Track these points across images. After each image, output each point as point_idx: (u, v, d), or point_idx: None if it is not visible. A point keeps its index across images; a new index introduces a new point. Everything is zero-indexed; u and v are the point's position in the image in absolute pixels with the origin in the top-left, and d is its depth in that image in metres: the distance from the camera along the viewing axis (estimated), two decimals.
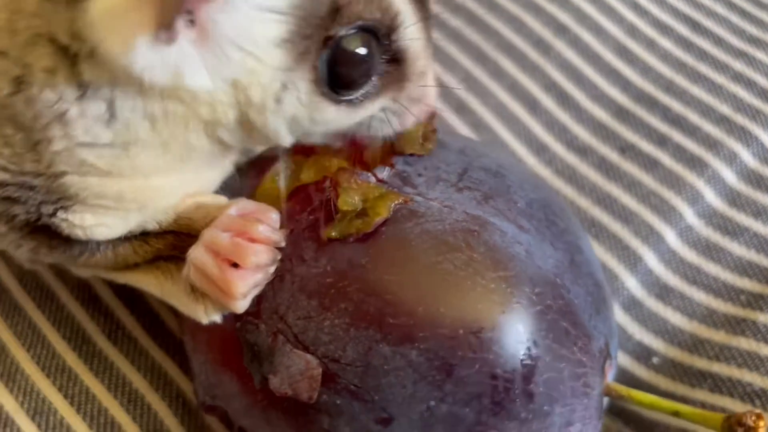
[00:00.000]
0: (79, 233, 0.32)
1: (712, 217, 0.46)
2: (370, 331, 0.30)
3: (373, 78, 0.30)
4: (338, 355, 0.31)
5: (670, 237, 0.46)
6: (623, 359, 0.43)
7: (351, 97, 0.30)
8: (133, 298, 0.43)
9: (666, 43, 0.52)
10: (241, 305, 0.31)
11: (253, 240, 0.30)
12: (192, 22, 0.26)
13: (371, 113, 0.32)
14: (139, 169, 0.30)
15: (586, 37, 0.52)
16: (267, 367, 0.31)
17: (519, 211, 0.34)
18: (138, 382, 0.41)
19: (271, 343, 0.31)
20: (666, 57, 0.51)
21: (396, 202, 0.32)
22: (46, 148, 0.29)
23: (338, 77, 0.29)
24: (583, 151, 0.49)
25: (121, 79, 0.27)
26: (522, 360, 0.31)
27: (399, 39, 0.30)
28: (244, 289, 0.30)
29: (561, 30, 0.53)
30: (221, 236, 0.30)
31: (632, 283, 0.45)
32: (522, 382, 0.31)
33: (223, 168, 0.34)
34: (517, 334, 0.31)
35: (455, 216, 0.33)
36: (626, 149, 0.49)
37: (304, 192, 0.33)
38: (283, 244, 0.31)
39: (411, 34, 0.31)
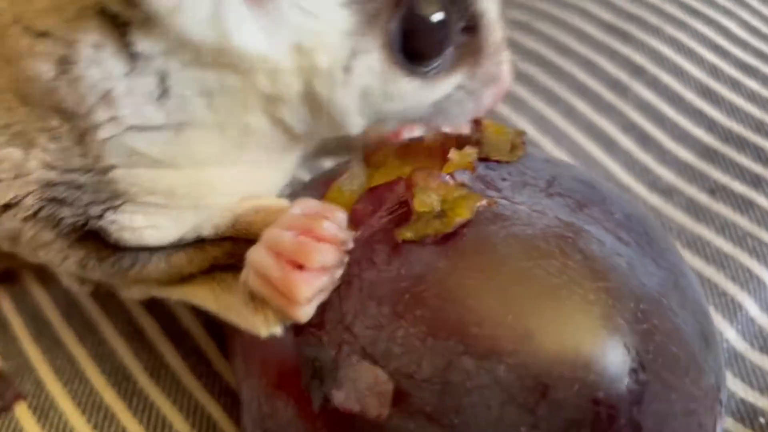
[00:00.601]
0: (128, 237, 0.29)
1: None
2: (450, 342, 0.26)
3: (449, 47, 0.28)
4: (412, 370, 0.26)
5: None
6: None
7: (427, 69, 0.28)
8: (180, 333, 0.40)
9: (752, 84, 0.49)
10: (305, 312, 0.27)
11: (318, 239, 0.27)
12: None
13: (447, 91, 0.29)
14: (193, 157, 0.28)
15: (665, 78, 0.50)
16: (329, 384, 0.27)
17: (617, 223, 0.30)
18: (179, 424, 0.37)
19: (335, 356, 0.27)
20: (753, 97, 0.48)
21: (479, 203, 0.29)
22: (93, 138, 0.27)
23: (412, 44, 0.27)
24: (668, 192, 0.45)
25: (174, 46, 0.25)
26: (628, 385, 0.26)
27: (474, 2, 0.28)
28: (308, 292, 0.27)
29: (637, 72, 0.50)
30: (284, 235, 0.27)
31: (732, 335, 0.40)
32: (629, 410, 0.26)
33: (285, 169, 0.32)
34: (622, 354, 0.27)
35: (546, 221, 0.29)
36: (716, 190, 0.45)
37: (375, 193, 0.30)
38: (351, 245, 0.28)
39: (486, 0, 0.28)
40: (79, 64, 0.26)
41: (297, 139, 0.30)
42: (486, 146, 0.32)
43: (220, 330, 0.37)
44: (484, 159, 0.31)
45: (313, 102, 0.27)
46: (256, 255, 0.27)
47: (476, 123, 0.32)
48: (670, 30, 0.52)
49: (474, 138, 0.32)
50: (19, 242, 0.30)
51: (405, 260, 0.28)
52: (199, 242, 0.30)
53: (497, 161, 0.31)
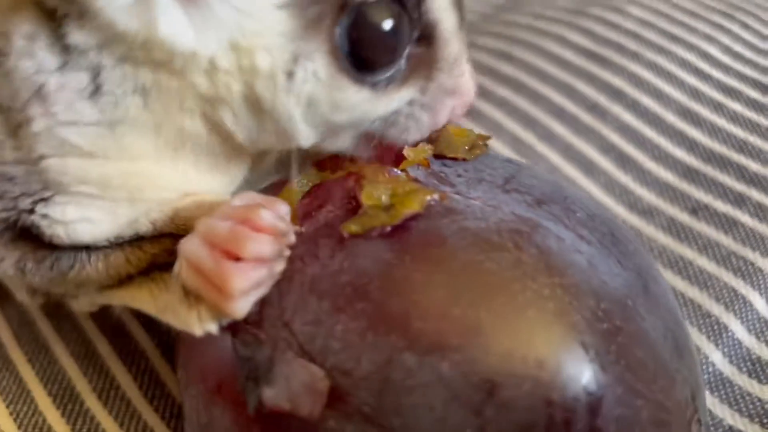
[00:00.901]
0: (61, 233, 0.28)
1: None
2: (391, 336, 0.24)
3: (400, 57, 0.27)
4: (350, 367, 0.24)
5: (759, 303, 0.39)
6: None
7: (376, 79, 0.27)
8: (133, 354, 0.38)
9: (735, 105, 0.48)
10: (240, 307, 0.25)
11: (256, 229, 0.26)
12: None
13: (398, 105, 0.28)
14: (127, 151, 0.27)
15: (645, 100, 0.49)
16: (264, 384, 0.25)
17: (578, 221, 0.29)
18: None
19: (270, 354, 0.25)
20: (736, 118, 0.47)
21: (430, 197, 0.27)
22: (26, 131, 0.26)
23: (361, 52, 0.26)
24: (648, 212, 0.43)
25: (107, 40, 0.24)
26: (586, 387, 0.24)
27: (428, 12, 0.27)
28: (242, 284, 0.25)
29: (616, 94, 0.49)
30: (219, 224, 0.26)
31: (717, 357, 0.38)
32: (587, 414, 0.24)
33: (232, 175, 0.30)
34: (579, 352, 0.25)
35: (500, 215, 0.27)
36: (698, 209, 0.43)
37: (323, 189, 0.29)
38: (292, 238, 0.26)
39: (441, 9, 0.27)
40: (11, 56, 0.25)
41: (239, 147, 0.28)
42: (442, 143, 0.30)
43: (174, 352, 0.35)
44: (440, 156, 0.30)
45: (256, 106, 0.26)
46: (189, 245, 0.26)
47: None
48: (650, 55, 0.51)
49: (431, 136, 0.31)
50: None
51: (349, 254, 0.26)
52: (137, 240, 0.29)
53: (454, 158, 0.30)
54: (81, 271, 0.29)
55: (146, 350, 0.38)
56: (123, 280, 0.29)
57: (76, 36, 0.25)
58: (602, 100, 0.49)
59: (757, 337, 0.38)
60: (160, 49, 0.24)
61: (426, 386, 0.24)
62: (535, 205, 0.28)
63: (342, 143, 0.29)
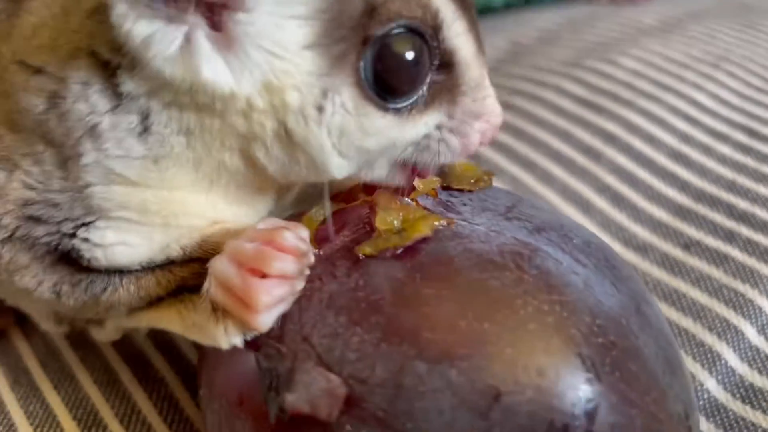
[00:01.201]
0: (100, 256, 0.30)
1: None
2: (403, 346, 0.26)
3: (422, 84, 0.29)
4: (366, 375, 0.26)
5: (751, 332, 0.41)
6: None
7: (400, 105, 0.29)
8: (154, 381, 0.40)
9: (724, 148, 0.51)
10: (264, 321, 0.27)
11: (279, 249, 0.28)
12: (214, 24, 0.26)
13: (425, 130, 0.30)
14: (167, 182, 0.29)
15: (638, 144, 0.52)
16: (285, 391, 0.27)
17: (575, 246, 0.31)
18: None
19: (291, 365, 0.28)
20: (725, 160, 0.50)
21: (438, 222, 0.30)
22: (75, 164, 0.29)
23: (384, 81, 0.28)
24: (642, 248, 0.46)
25: (156, 87, 0.27)
26: (583, 394, 0.26)
27: (445, 40, 0.29)
28: (267, 299, 0.27)
29: (610, 139, 0.52)
30: (246, 245, 0.28)
31: (712, 384, 0.40)
32: (584, 420, 0.26)
33: (256, 209, 0.33)
34: (576, 363, 0.27)
35: (503, 239, 0.30)
36: (690, 245, 0.45)
37: (340, 216, 0.31)
38: (312, 258, 0.29)
39: (457, 36, 0.29)
40: (67, 100, 0.28)
41: (270, 180, 0.31)
42: (450, 176, 0.33)
43: (194, 379, 0.37)
44: (447, 188, 0.33)
45: (288, 140, 0.28)
46: (218, 264, 0.28)
47: None
48: (642, 102, 0.55)
49: (441, 169, 0.33)
50: None
51: (364, 272, 0.29)
52: (167, 265, 0.31)
53: (460, 190, 0.33)
54: (114, 294, 0.31)
55: (166, 378, 0.40)
56: (152, 302, 0.32)
57: (128, 84, 0.28)
58: (597, 144, 0.52)
59: (750, 365, 0.40)
60: (203, 93, 0.27)
61: (436, 392, 0.26)
62: (534, 232, 0.31)
63: (379, 173, 0.31)
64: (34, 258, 0.30)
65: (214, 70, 0.27)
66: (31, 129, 0.29)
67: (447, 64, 0.29)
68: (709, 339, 0.41)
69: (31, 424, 0.38)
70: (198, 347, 0.33)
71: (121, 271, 0.31)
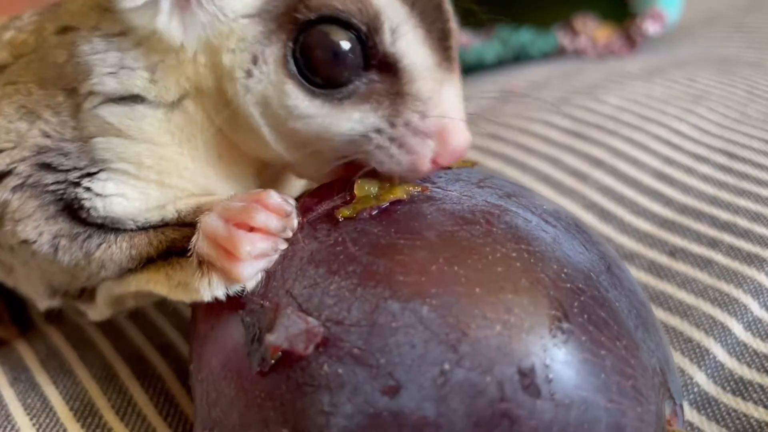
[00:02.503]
0: (98, 205, 0.32)
1: None
2: (378, 289, 0.28)
3: (350, 76, 0.30)
4: (342, 317, 0.28)
5: (738, 329, 0.41)
6: None
7: (326, 92, 0.30)
8: (151, 377, 0.41)
9: (705, 168, 0.52)
10: (246, 271, 0.29)
11: (265, 207, 0.30)
12: None
13: (360, 127, 0.30)
14: (146, 132, 0.32)
15: (623, 167, 0.54)
16: (266, 333, 0.28)
17: (544, 211, 0.33)
18: None
19: (273, 315, 0.29)
20: (706, 178, 0.51)
21: (413, 189, 0.32)
22: (81, 112, 0.32)
23: (308, 66, 0.30)
24: (630, 257, 0.47)
25: (127, 28, 0.31)
26: (551, 330, 0.27)
27: (386, 43, 0.30)
28: (249, 248, 0.29)
29: (597, 163, 0.54)
30: (234, 203, 0.30)
31: (702, 378, 0.40)
32: (554, 354, 0.27)
33: (246, 187, 0.35)
34: (544, 302, 0.28)
35: (474, 201, 0.31)
36: (675, 252, 0.46)
37: (322, 189, 0.33)
38: (295, 220, 0.30)
39: (404, 43, 0.30)
40: (78, 44, 0.32)
41: (242, 152, 0.33)
42: None
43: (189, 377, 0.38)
44: None
45: (225, 99, 0.31)
46: (207, 218, 0.30)
47: None
48: (626, 131, 0.57)
49: None
50: (2, 222, 0.33)
51: (342, 231, 0.30)
52: (161, 227, 0.33)
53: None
54: (107, 250, 0.33)
55: (162, 374, 0.41)
56: (143, 263, 0.33)
57: (107, 23, 0.31)
58: (584, 167, 0.54)
59: (738, 360, 0.40)
60: (158, 40, 0.31)
61: (408, 327, 0.27)
62: (505, 197, 0.32)
63: (319, 165, 0.33)
64: (40, 206, 0.33)
65: (168, 24, 0.30)
66: (54, 82, 0.33)
67: (389, 67, 0.30)
68: (697, 335, 0.41)
69: (28, 415, 0.39)
70: (192, 323, 0.35)
71: (116, 230, 0.33)
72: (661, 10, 0.75)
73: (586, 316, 0.28)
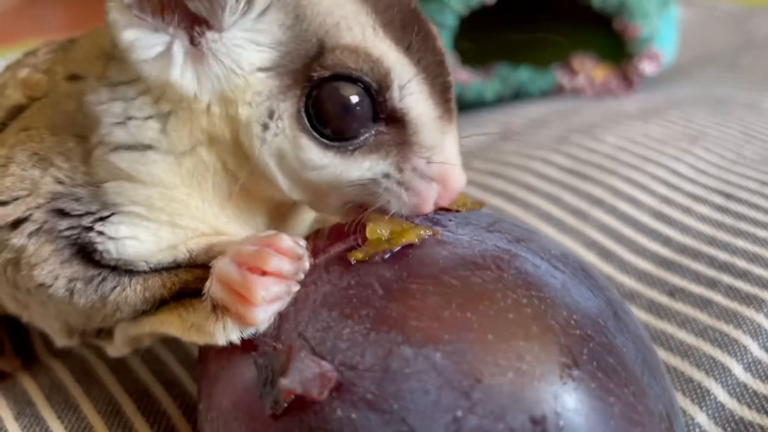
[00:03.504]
0: (111, 248, 0.33)
1: None
2: (391, 334, 0.28)
3: (361, 130, 0.31)
4: (356, 361, 0.28)
5: (738, 370, 0.42)
6: None
7: (337, 144, 0.31)
8: (157, 413, 0.41)
9: (703, 209, 0.53)
10: (260, 316, 0.30)
11: (278, 251, 0.30)
12: (192, 39, 0.31)
13: (370, 174, 0.32)
14: (157, 177, 0.32)
15: (622, 206, 0.54)
16: (278, 379, 0.29)
17: (553, 256, 0.33)
18: None
19: (286, 358, 0.29)
20: (704, 219, 0.52)
21: (424, 232, 0.32)
22: (92, 158, 0.33)
23: (321, 120, 0.31)
24: (630, 296, 0.48)
25: (135, 77, 0.31)
26: (562, 377, 0.28)
27: (394, 98, 0.31)
28: (264, 293, 0.30)
29: (597, 202, 0.55)
30: (247, 247, 0.31)
31: (703, 419, 0.40)
32: (564, 401, 0.27)
33: (260, 229, 0.36)
34: (554, 349, 0.28)
35: (485, 246, 0.32)
36: (675, 292, 0.47)
37: (333, 230, 0.34)
38: (307, 263, 0.31)
39: (411, 99, 0.32)
40: (86, 93, 0.32)
41: (257, 195, 0.34)
42: None
43: (195, 413, 0.38)
44: (438, 209, 0.35)
45: (242, 150, 0.32)
46: (220, 263, 0.31)
47: None
48: (625, 171, 0.58)
49: None
50: (19, 267, 0.33)
51: (355, 274, 0.31)
52: (173, 268, 0.34)
53: (447, 210, 0.35)
54: (122, 293, 0.33)
55: (168, 410, 0.41)
56: (156, 305, 0.34)
57: (114, 71, 0.32)
58: (584, 206, 0.55)
59: (738, 400, 0.41)
60: (171, 91, 0.31)
61: (421, 373, 0.27)
62: (514, 241, 0.33)
63: (331, 206, 0.34)
64: (55, 251, 0.33)
65: (182, 76, 0.31)
66: (65, 129, 0.33)
67: (397, 120, 0.32)
68: (698, 376, 0.42)
69: None
70: (199, 365, 0.35)
71: (130, 272, 0.34)
72: (658, 51, 0.77)
73: (595, 363, 0.29)
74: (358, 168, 0.32)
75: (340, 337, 0.29)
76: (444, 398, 0.27)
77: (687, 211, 0.54)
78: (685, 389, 0.42)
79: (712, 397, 0.41)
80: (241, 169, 0.33)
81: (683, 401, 0.41)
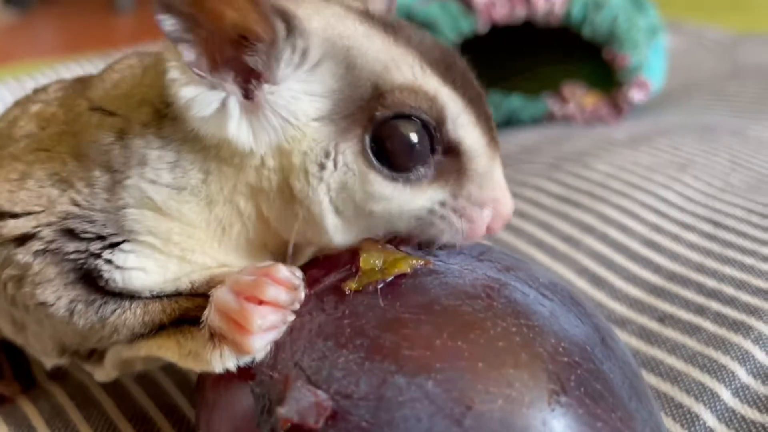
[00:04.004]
0: (117, 278, 0.34)
1: (766, 377, 0.43)
2: (385, 363, 0.29)
3: (422, 164, 0.33)
4: (351, 390, 0.29)
5: (726, 395, 0.43)
6: None
7: (403, 176, 0.33)
8: None
9: (691, 236, 0.54)
10: (257, 344, 0.30)
11: (274, 281, 0.31)
12: (246, 92, 0.32)
13: (429, 204, 0.34)
14: (186, 216, 0.34)
15: (613, 233, 0.55)
16: (276, 408, 0.29)
17: (541, 284, 0.34)
18: None
19: (282, 387, 0.30)
20: (692, 246, 0.53)
21: (416, 261, 0.33)
22: (120, 186, 0.34)
23: (385, 156, 0.32)
24: (621, 322, 0.48)
25: (188, 135, 0.33)
26: (550, 403, 0.29)
27: (450, 131, 0.33)
28: (261, 322, 0.30)
29: (588, 229, 0.56)
30: (245, 277, 0.32)
31: None
32: (553, 428, 0.28)
33: (263, 256, 0.36)
34: (543, 376, 0.29)
35: (475, 275, 0.33)
36: (665, 318, 0.48)
37: (327, 261, 0.35)
38: (303, 293, 0.32)
39: (463, 129, 0.33)
40: (130, 135, 0.34)
41: (278, 236, 0.35)
42: None
43: None
44: None
45: (290, 195, 0.33)
46: (219, 292, 0.31)
47: None
48: (615, 198, 0.59)
49: None
50: (22, 284, 0.34)
51: (349, 304, 0.32)
52: (175, 296, 0.34)
53: None
54: (121, 315, 0.34)
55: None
56: (155, 329, 0.34)
57: (168, 130, 0.33)
58: (575, 233, 0.56)
59: (727, 426, 0.42)
60: (226, 148, 0.33)
61: (414, 401, 0.28)
62: (504, 270, 0.34)
63: (359, 238, 0.34)
64: (60, 273, 0.34)
65: (239, 130, 0.32)
66: (93, 158, 0.34)
67: (453, 150, 0.34)
68: (687, 401, 0.43)
69: None
70: (197, 392, 0.36)
71: (131, 296, 0.34)
72: (646, 79, 0.79)
73: (582, 389, 0.30)
74: (420, 197, 0.33)
75: (336, 366, 0.30)
76: (436, 426, 0.28)
77: (676, 238, 0.55)
78: (675, 414, 0.42)
79: (701, 422, 0.42)
80: (276, 214, 0.34)
81: (673, 426, 0.42)
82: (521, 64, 0.81)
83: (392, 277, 0.32)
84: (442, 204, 0.34)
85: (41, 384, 0.47)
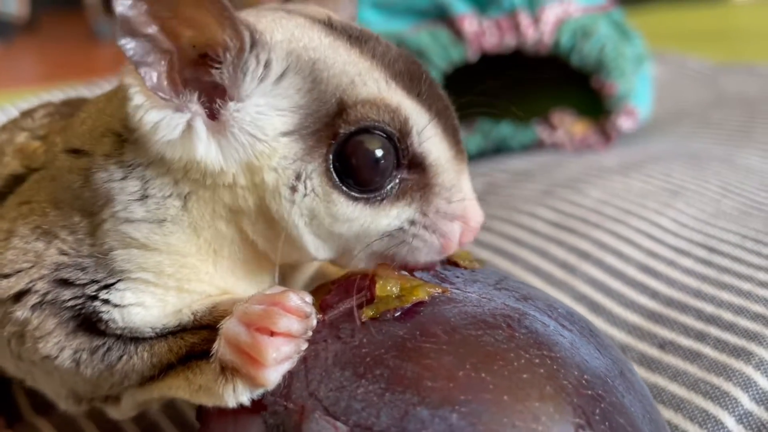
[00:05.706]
0: (117, 317, 0.33)
1: None
2: (406, 394, 0.28)
3: (387, 179, 0.32)
4: (371, 422, 0.28)
5: (730, 422, 0.43)
6: None
7: (366, 196, 0.32)
8: None
9: (686, 262, 0.55)
10: (271, 376, 0.29)
11: (286, 310, 0.30)
12: (211, 112, 0.31)
13: (397, 222, 0.33)
14: (173, 246, 0.33)
15: (609, 259, 0.55)
16: None
17: (560, 314, 0.34)
18: None
19: (298, 418, 0.29)
20: (689, 272, 0.54)
21: (434, 290, 0.33)
22: (101, 230, 0.32)
23: (349, 172, 0.32)
24: (621, 349, 0.48)
25: (153, 159, 0.32)
26: None
27: (414, 144, 0.33)
28: (275, 354, 0.29)
29: (584, 255, 0.56)
30: (254, 307, 0.30)
31: None
32: None
33: (264, 288, 0.36)
34: (568, 410, 0.29)
35: (494, 305, 0.33)
36: (665, 345, 0.48)
37: (342, 286, 0.34)
38: (315, 320, 0.31)
39: (429, 142, 0.33)
40: (93, 171, 0.32)
41: (265, 255, 0.34)
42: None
43: None
44: (442, 260, 0.36)
45: (268, 216, 0.32)
46: (228, 324, 0.30)
47: None
48: (609, 224, 0.59)
49: None
50: (24, 340, 0.33)
51: (367, 332, 0.31)
52: (179, 332, 0.33)
53: (456, 264, 0.36)
54: (129, 361, 0.33)
55: None
56: (163, 370, 0.33)
57: (130, 155, 0.32)
58: (572, 259, 0.56)
59: None
60: (196, 170, 0.32)
61: None
62: (522, 300, 0.33)
63: (357, 260, 0.34)
64: (59, 323, 0.33)
65: (207, 151, 0.31)
66: (70, 203, 0.33)
67: (418, 165, 0.33)
68: (691, 429, 0.43)
69: None
70: (200, 423, 0.34)
71: (136, 339, 0.33)
72: (634, 107, 0.80)
73: (607, 423, 0.29)
74: (385, 216, 0.33)
75: (355, 397, 0.29)
76: None
77: (672, 264, 0.55)
78: None
79: None
80: (261, 235, 0.33)
81: None
82: (511, 91, 0.82)
83: (410, 305, 0.32)
84: (412, 223, 0.33)
85: (27, 418, 0.45)
